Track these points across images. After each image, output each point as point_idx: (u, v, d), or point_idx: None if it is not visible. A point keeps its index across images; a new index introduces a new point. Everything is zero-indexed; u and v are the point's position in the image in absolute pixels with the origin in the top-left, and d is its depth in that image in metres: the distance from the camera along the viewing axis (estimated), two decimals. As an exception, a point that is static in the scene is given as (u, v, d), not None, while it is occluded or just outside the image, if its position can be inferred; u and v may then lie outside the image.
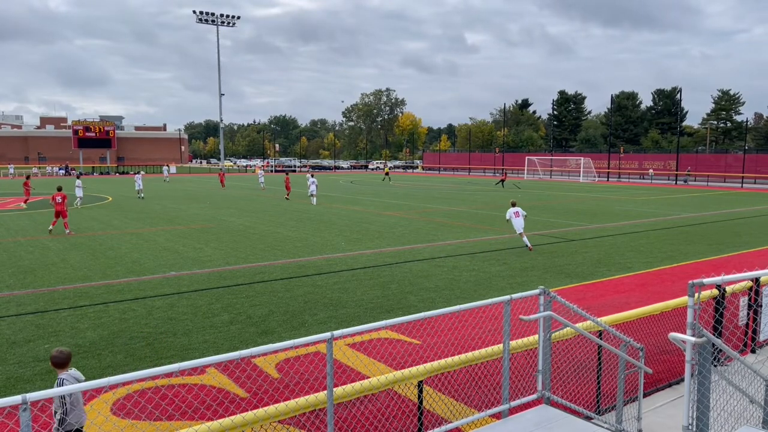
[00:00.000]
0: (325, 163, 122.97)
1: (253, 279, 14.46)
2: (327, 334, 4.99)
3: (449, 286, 13.70)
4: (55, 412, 5.16)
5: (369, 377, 5.85)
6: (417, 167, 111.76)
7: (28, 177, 37.47)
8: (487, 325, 9.35)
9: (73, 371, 5.45)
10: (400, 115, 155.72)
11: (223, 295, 12.84)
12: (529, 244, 18.50)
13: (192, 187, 50.53)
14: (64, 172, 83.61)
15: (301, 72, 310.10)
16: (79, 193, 32.31)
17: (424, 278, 14.50)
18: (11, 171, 75.95)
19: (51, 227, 22.21)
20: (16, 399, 3.98)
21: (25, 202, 34.13)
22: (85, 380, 5.23)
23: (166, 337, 9.95)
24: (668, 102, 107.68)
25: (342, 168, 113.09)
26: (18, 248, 18.77)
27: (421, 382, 5.94)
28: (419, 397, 5.97)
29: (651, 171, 70.38)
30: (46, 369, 8.45)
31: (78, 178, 34.74)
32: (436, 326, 10.00)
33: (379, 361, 8.54)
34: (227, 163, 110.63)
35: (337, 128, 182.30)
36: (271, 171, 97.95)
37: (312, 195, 35.22)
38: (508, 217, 18.87)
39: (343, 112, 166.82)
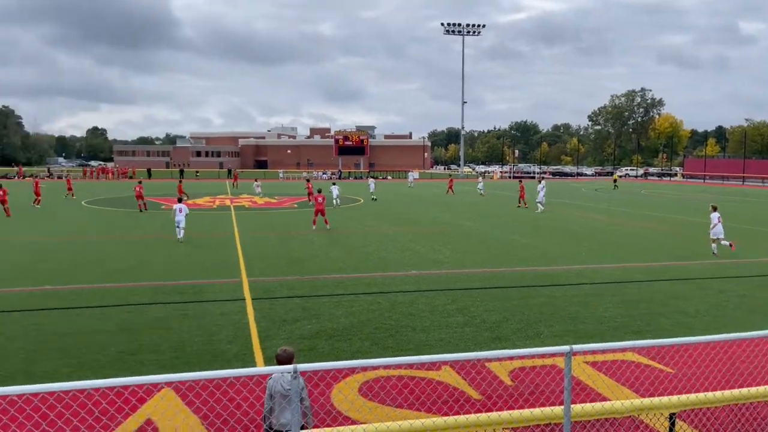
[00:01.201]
0: (567, 169, 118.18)
1: (488, 284, 14.63)
2: (566, 347, 4.82)
3: (712, 312, 12.15)
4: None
5: (611, 399, 5.52)
6: (675, 174, 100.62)
7: (308, 180, 43.25)
8: (762, 361, 8.09)
9: (286, 375, 5.20)
10: (657, 116, 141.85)
11: (459, 297, 13.24)
12: (725, 244, 18.54)
13: (433, 192, 52.97)
14: (328, 176, 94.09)
15: (543, 76, 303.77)
16: (335, 192, 36.15)
17: (680, 300, 13.08)
18: (281, 175, 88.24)
19: (314, 226, 25.16)
20: (287, 368, 4.66)
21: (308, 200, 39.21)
22: (300, 387, 5.23)
23: (407, 331, 10.65)
24: None
25: (585, 175, 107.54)
26: (291, 241, 21.79)
27: (673, 414, 5.41)
28: (670, 430, 5.43)
29: None
30: (309, 345, 9.70)
31: (334, 184, 39.04)
32: (694, 355, 8.92)
33: (622, 385, 7.97)
34: (466, 169, 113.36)
35: (581, 133, 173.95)
36: (509, 177, 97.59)
37: (539, 202, 34.23)
38: (714, 223, 18.65)
39: (589, 116, 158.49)
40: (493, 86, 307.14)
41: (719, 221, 18.68)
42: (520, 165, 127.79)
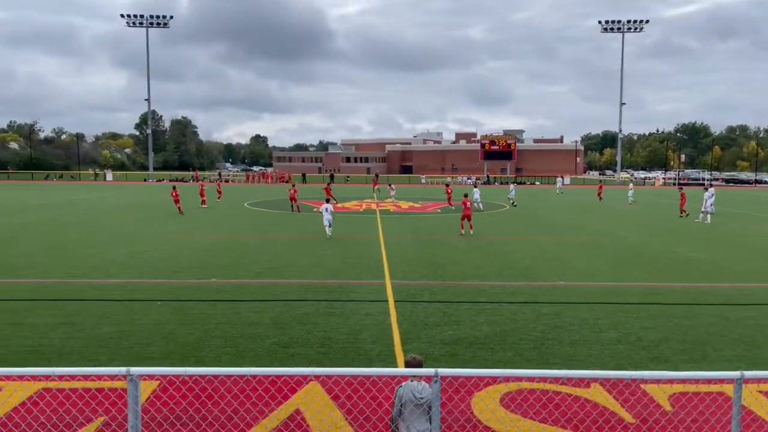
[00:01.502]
0: (743, 176, 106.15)
1: (646, 299, 13.56)
2: (736, 373, 4.37)
3: None
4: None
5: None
6: None
7: (447, 185, 43.51)
8: None
9: (416, 383, 5.22)
10: None
11: (612, 311, 12.42)
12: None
13: (584, 199, 50.36)
14: (473, 181, 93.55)
15: (715, 73, 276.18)
16: (476, 196, 35.96)
17: None
18: (423, 180, 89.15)
19: (462, 230, 25.02)
20: (428, 371, 4.68)
21: (449, 204, 39.63)
22: (423, 398, 5.17)
23: (552, 344, 10.20)
24: None
25: (764, 182, 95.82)
26: (433, 245, 21.96)
27: None
28: None
29: None
30: (450, 352, 9.68)
31: (475, 187, 38.95)
32: None
33: (805, 420, 6.97)
34: (623, 175, 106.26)
35: (761, 135, 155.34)
36: (673, 184, 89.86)
37: (704, 211, 30.94)
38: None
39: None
40: (655, 86, 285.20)
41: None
42: (686, 170, 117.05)
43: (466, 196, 26.53)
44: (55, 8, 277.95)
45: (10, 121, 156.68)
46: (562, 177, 78.29)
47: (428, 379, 5.48)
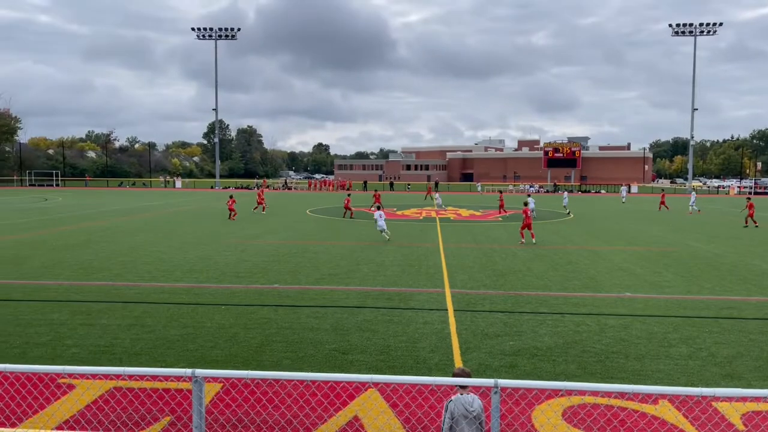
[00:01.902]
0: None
1: (720, 314, 12.88)
2: (822, 395, 4.06)
3: None
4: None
5: None
6: None
7: (501, 191, 43.09)
8: None
9: (466, 396, 5.15)
10: None
11: (682, 325, 11.87)
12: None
13: (650, 208, 48.42)
14: (536, 189, 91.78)
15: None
16: (531, 205, 35.45)
17: None
18: (479, 189, 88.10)
19: (522, 240, 24.59)
20: (488, 382, 4.61)
21: (502, 213, 39.26)
22: (476, 413, 5.09)
23: (618, 357, 9.84)
24: None
25: None
26: (493, 254, 21.65)
27: None
28: None
29: None
30: (510, 363, 9.50)
31: (529, 196, 38.62)
32: None
33: None
34: (695, 183, 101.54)
35: None
36: (750, 192, 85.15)
37: None
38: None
39: None
40: (730, 91, 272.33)
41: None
42: (763, 179, 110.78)
43: (526, 204, 26.01)
44: (131, 23, 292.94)
45: (89, 131, 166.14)
46: (629, 185, 75.64)
47: (476, 389, 5.40)
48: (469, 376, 5.20)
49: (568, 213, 41.47)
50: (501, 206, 40.20)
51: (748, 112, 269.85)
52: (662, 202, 46.76)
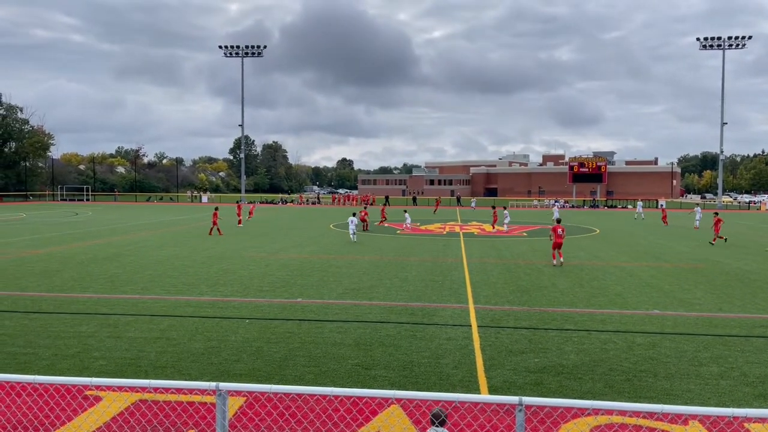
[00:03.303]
0: None
1: (752, 332, 12.54)
2: None
3: None
4: None
5: None
6: None
7: (494, 207, 42.89)
8: None
9: None
10: None
11: (713, 343, 11.58)
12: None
13: (677, 224, 47.52)
14: (561, 204, 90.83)
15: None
16: (556, 214, 35.34)
17: None
18: (473, 204, 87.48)
19: (554, 261, 22.83)
20: (513, 399, 4.55)
21: (495, 229, 38.93)
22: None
23: (646, 376, 9.63)
24: None
25: None
26: (518, 270, 21.44)
27: None
28: None
29: None
30: (535, 380, 9.35)
31: (554, 205, 38.62)
32: None
33: None
34: (725, 198, 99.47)
35: None
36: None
37: None
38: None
39: None
40: (760, 104, 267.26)
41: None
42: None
43: (558, 222, 24.42)
44: (160, 41, 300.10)
45: (118, 147, 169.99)
46: (658, 200, 74.22)
47: (501, 407, 5.31)
48: (445, 418, 5.24)
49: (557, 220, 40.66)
50: (494, 222, 40.26)
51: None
52: (663, 218, 46.56)
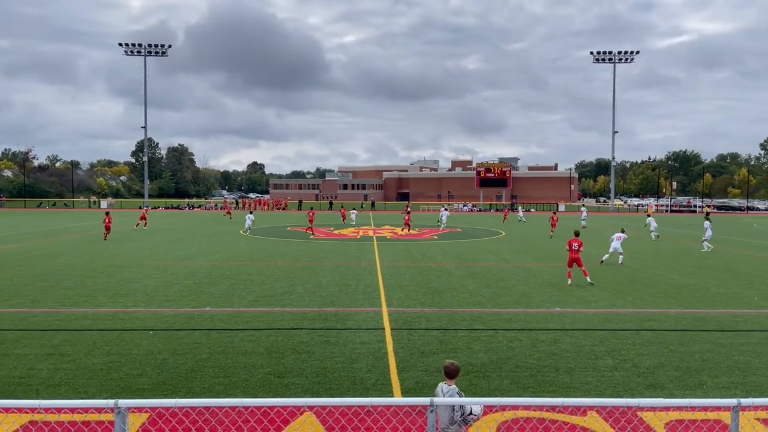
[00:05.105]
0: (735, 203, 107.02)
1: (641, 326, 13.51)
2: (732, 401, 4.34)
3: None
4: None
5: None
6: None
7: (409, 212, 44.09)
8: None
9: (453, 387, 5.73)
10: None
11: (608, 338, 12.35)
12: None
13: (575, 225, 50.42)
14: (469, 208, 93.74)
15: (704, 102, 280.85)
16: (444, 217, 36.53)
17: None
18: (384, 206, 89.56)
19: (569, 280, 18.75)
20: (424, 400, 4.62)
21: (406, 231, 39.95)
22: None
23: (549, 371, 10.11)
24: None
25: (757, 209, 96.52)
26: (429, 272, 21.89)
27: None
28: None
29: None
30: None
31: (445, 209, 40.67)
32: None
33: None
34: (617, 202, 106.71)
35: (752, 162, 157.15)
36: (666, 211, 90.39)
37: (706, 241, 30.87)
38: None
39: (761, 144, 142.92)
40: (646, 115, 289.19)
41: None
42: (678, 198, 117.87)
43: (577, 234, 20.41)
44: (52, 36, 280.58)
45: (5, 149, 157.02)
46: (529, 205, 78.31)
47: (424, 408, 5.41)
48: (458, 369, 5.84)
49: (439, 223, 42.40)
50: (406, 223, 42.10)
51: (663, 135, 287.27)
52: (553, 224, 41.65)
